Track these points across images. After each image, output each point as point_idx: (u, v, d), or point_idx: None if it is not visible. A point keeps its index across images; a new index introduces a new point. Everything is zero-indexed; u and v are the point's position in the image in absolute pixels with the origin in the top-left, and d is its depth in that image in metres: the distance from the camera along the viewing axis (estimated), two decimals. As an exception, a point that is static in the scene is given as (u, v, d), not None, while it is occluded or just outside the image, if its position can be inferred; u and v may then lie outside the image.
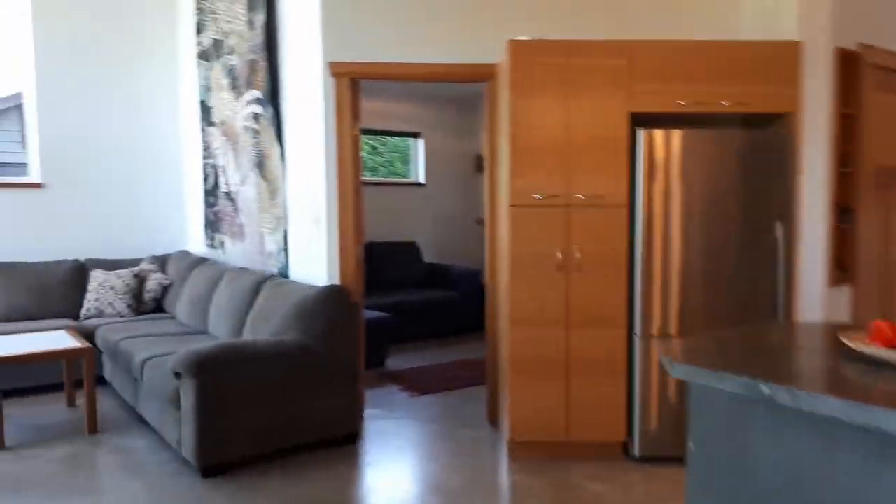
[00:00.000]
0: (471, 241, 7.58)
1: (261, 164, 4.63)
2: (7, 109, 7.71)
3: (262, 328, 3.84)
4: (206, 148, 5.48)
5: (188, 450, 3.26)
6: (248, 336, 3.99)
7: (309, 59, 4.00)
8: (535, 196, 3.33)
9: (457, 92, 7.23)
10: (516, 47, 3.33)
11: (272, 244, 4.58)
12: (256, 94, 4.60)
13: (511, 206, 3.36)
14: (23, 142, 5.52)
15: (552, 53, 3.31)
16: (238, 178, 4.98)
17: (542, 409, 3.39)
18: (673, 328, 3.34)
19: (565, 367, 3.37)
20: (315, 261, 4.11)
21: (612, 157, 3.33)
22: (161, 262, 5.63)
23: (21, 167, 5.93)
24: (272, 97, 4.40)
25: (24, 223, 5.35)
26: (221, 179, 5.25)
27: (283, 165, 4.38)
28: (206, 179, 5.53)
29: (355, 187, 3.96)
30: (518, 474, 3.30)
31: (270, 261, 4.61)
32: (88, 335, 4.76)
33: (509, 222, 3.37)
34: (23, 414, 4.19)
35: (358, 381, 3.78)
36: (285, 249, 4.43)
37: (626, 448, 3.46)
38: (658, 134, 3.30)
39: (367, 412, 4.14)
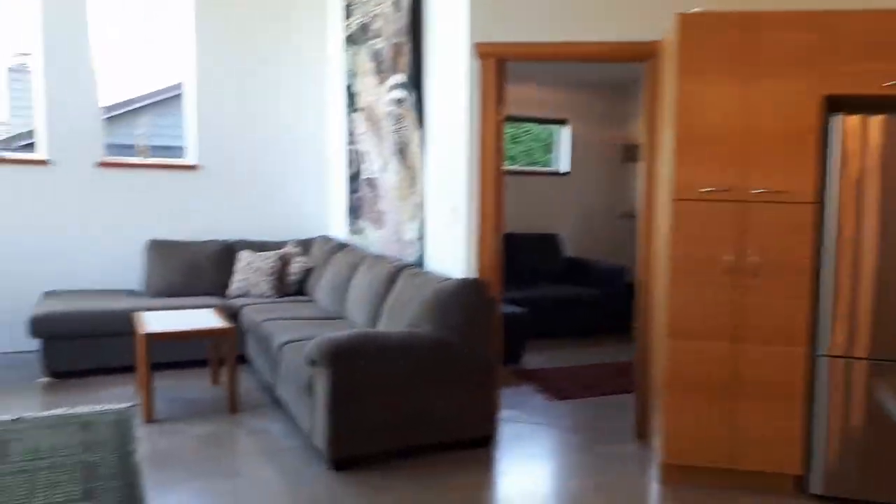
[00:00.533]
0: (616, 236, 7.13)
1: (401, 151, 4.53)
2: (173, 98, 8.26)
3: (398, 318, 3.72)
4: (351, 134, 5.48)
5: (320, 439, 3.20)
6: (383, 325, 3.90)
7: (454, 40, 3.81)
8: (704, 190, 2.93)
9: (606, 76, 6.79)
10: (686, 22, 2.93)
11: (410, 232, 4.46)
12: (400, 78, 4.49)
13: (675, 200, 2.97)
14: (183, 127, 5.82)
15: (728, 28, 2.88)
16: (379, 165, 4.92)
17: (703, 430, 3.00)
18: (862, 349, 2.83)
19: (732, 387, 2.96)
20: (452, 251, 3.93)
21: (799, 147, 2.86)
22: (304, 245, 5.73)
23: (183, 151, 6.25)
24: (415, 81, 4.26)
25: (181, 203, 5.62)
26: (364, 166, 5.22)
27: (422, 152, 4.24)
28: (349, 165, 5.54)
29: (497, 176, 3.73)
30: (672, 502, 2.94)
31: (408, 249, 4.50)
32: (234, 314, 4.91)
33: (671, 218, 2.99)
34: (170, 387, 4.38)
35: (494, 380, 3.57)
36: (422, 238, 4.29)
37: (801, 483, 2.99)
38: (856, 121, 2.79)
39: (502, 414, 3.93)
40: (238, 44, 5.68)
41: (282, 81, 5.86)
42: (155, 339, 3.78)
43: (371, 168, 5.08)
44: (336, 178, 5.91)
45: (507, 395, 4.28)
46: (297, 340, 3.86)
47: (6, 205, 5.06)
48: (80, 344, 4.52)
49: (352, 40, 5.36)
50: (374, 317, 4.07)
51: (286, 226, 5.96)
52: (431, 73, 4.13)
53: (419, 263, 4.32)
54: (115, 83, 8.12)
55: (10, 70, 8.84)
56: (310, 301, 5.17)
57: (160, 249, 5.33)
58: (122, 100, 8.27)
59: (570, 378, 4.80)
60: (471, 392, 3.45)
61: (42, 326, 4.41)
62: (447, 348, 3.35)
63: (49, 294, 5.00)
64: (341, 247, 5.29)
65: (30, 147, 5.50)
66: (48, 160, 5.17)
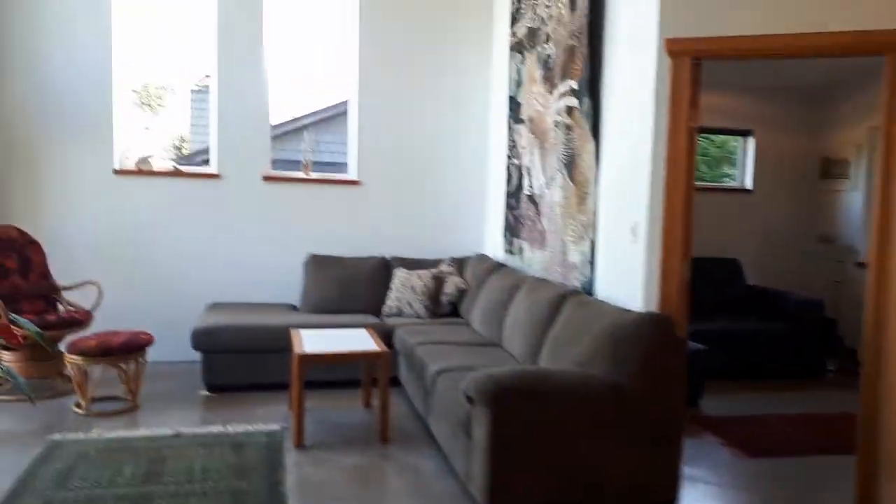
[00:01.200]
0: (807, 263, 6.22)
1: (570, 164, 4.11)
2: (335, 116, 8.42)
3: (563, 354, 3.30)
4: (512, 147, 5.14)
5: (477, 487, 2.84)
6: (545, 359, 3.49)
7: (640, 37, 3.34)
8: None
9: (800, 81, 5.96)
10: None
11: (576, 255, 4.02)
12: (572, 84, 4.09)
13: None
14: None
15: None
16: (543, 180, 4.53)
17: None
18: None
19: None
20: (628, 278, 3.44)
21: None
22: (459, 264, 5.46)
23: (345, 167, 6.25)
24: (591, 86, 3.83)
25: (341, 218, 5.56)
26: (525, 181, 4.86)
27: (596, 165, 3.79)
28: (508, 180, 5.21)
29: (687, 192, 3.22)
30: None
31: (573, 273, 4.06)
32: (387, 334, 4.72)
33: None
34: (321, 408, 4.24)
35: (678, 435, 3.03)
36: (592, 262, 3.84)
37: None
38: None
39: (682, 472, 3.36)
40: (400, 58, 5.56)
41: (443, 95, 5.66)
42: (310, 360, 3.64)
43: (533, 183, 4.71)
44: (494, 194, 5.60)
45: (686, 447, 3.69)
46: (453, 370, 3.55)
47: (182, 217, 5.25)
48: (238, 358, 4.52)
49: (518, 48, 5.04)
50: (535, 349, 3.67)
51: (442, 243, 5.73)
52: (610, 77, 3.69)
53: (587, 290, 3.86)
54: (283, 102, 8.43)
55: (194, 91, 9.50)
56: (464, 324, 4.88)
57: (319, 264, 5.29)
58: (288, 118, 8.55)
59: (762, 430, 4.10)
60: (650, 447, 2.94)
61: (202, 340, 4.46)
62: (625, 394, 2.87)
63: (213, 306, 5.10)
64: (498, 267, 4.95)
65: (207, 163, 5.71)
66: (219, 174, 5.31)
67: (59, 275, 4.79)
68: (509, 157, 5.19)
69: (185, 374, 4.75)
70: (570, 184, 4.10)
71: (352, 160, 5.66)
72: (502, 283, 4.53)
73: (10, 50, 4.88)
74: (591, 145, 3.84)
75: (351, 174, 5.65)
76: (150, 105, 9.66)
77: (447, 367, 3.60)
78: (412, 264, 5.40)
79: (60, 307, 4.65)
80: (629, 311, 3.18)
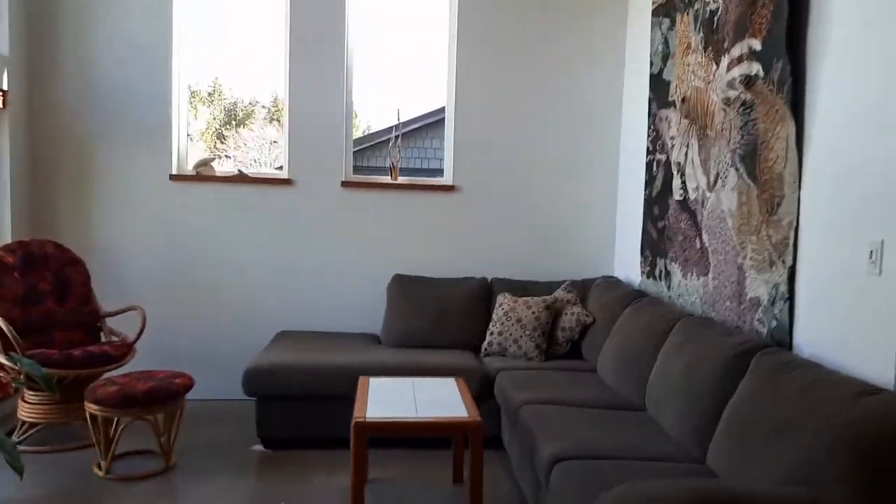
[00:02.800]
0: None
1: (749, 156, 2.87)
2: (426, 125, 7.61)
3: (759, 450, 2.08)
4: (655, 139, 3.94)
5: None
6: (724, 452, 2.27)
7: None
8: None
9: None
10: None
11: (760, 287, 2.77)
12: (752, 44, 2.85)
13: None
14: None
15: None
16: (705, 180, 3.30)
17: None
18: None
19: None
20: (861, 327, 2.18)
21: None
22: (580, 290, 4.28)
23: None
24: (788, 44, 2.59)
25: (434, 232, 4.55)
26: (675, 182, 3.64)
27: (798, 155, 2.54)
28: (649, 183, 4.00)
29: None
30: None
31: (754, 314, 2.81)
32: (487, 379, 3.65)
33: None
34: (395, 480, 3.21)
35: None
36: (789, 299, 2.58)
37: None
38: None
39: None
40: (506, 37, 4.49)
41: (560, 78, 4.53)
42: (370, 428, 2.62)
43: (687, 185, 3.48)
44: (628, 199, 4.40)
45: None
46: (577, 457, 2.41)
47: (248, 229, 4.42)
48: (301, 406, 3.59)
49: (663, 11, 3.84)
50: (703, 430, 2.46)
51: (558, 262, 4.58)
52: (824, 24, 2.44)
53: (780, 341, 2.61)
54: (371, 111, 7.78)
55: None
56: (588, 369, 3.71)
57: (405, 287, 4.29)
58: (375, 129, 7.79)
59: None
60: None
61: (256, 383, 3.56)
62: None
63: (282, 335, 4.23)
64: (636, 296, 3.74)
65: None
66: (291, 179, 4.45)
67: (107, 298, 4.08)
68: (651, 152, 3.98)
69: (240, 418, 3.90)
70: (751, 184, 2.86)
71: (448, 161, 4.64)
72: (643, 319, 3.33)
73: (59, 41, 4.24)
74: (787, 127, 2.59)
75: (446, 178, 4.63)
76: (277, 120, 9.20)
77: (568, 453, 2.46)
78: (519, 289, 4.29)
79: (104, 337, 3.92)
80: (878, 389, 1.93)
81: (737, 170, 2.97)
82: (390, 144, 4.76)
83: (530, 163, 4.56)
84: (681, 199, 3.56)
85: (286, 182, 4.45)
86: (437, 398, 2.91)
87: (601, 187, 4.60)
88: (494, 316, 4.10)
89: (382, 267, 4.48)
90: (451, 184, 4.56)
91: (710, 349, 2.63)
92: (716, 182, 3.17)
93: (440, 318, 4.18)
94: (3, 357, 3.33)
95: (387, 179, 4.60)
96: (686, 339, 2.85)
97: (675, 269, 3.61)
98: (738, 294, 2.94)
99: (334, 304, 4.49)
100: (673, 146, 3.68)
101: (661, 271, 3.81)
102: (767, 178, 2.74)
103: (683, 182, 3.54)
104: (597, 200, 4.61)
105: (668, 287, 3.69)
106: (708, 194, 3.25)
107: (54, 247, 3.89)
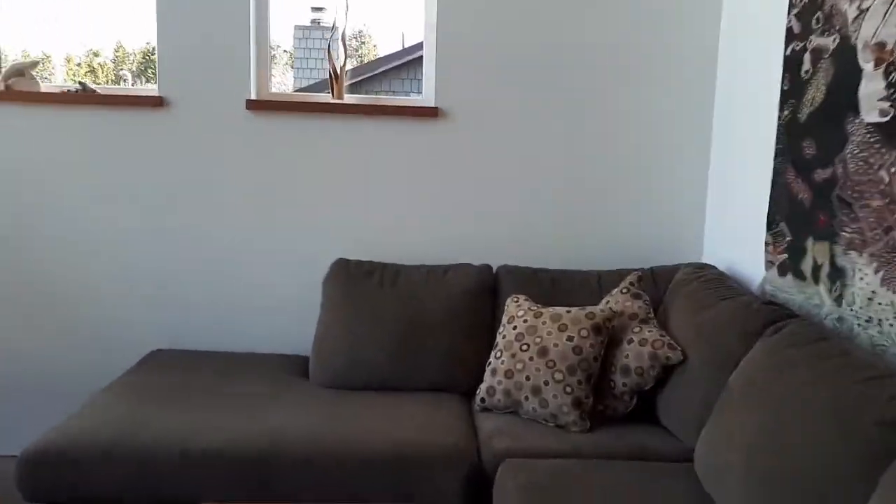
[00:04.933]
0: None
1: None
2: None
3: None
4: (811, 7, 2.06)
5: None
6: None
7: None
8: None
9: None
10: None
11: None
12: None
13: None
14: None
15: None
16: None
17: None
18: None
19: None
20: None
21: None
22: (651, 288, 2.47)
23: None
24: None
25: (404, 182, 2.76)
26: (866, 86, 1.78)
27: None
28: (792, 93, 2.14)
29: None
30: None
31: None
32: (481, 474, 1.93)
33: None
34: None
35: None
36: None
37: None
38: None
39: None
40: None
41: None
42: None
43: (873, 101, 1.63)
44: (735, 127, 2.56)
45: None
46: None
47: (95, 182, 2.68)
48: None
49: None
50: None
51: (607, 240, 2.79)
52: None
53: None
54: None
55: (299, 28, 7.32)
56: (672, 455, 1.95)
57: (353, 280, 2.54)
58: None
59: None
60: None
61: (37, 481, 1.86)
62: None
63: (151, 357, 2.55)
64: (774, 318, 1.93)
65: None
66: (165, 98, 2.66)
67: None
68: (797, 36, 2.11)
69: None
70: None
71: (427, 66, 2.79)
72: (828, 389, 1.53)
73: None
74: None
75: (425, 97, 2.80)
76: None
77: None
78: (545, 286, 2.51)
79: None
80: None
81: None
82: (332, 33, 2.91)
83: (560, 69, 2.71)
84: (883, 119, 1.71)
85: (157, 102, 2.66)
86: None
87: (684, 107, 2.74)
88: (501, 338, 2.33)
89: (318, 246, 2.72)
90: (432, 105, 2.72)
91: None
92: None
93: (409, 336, 2.42)
94: None
95: (326, 98, 2.79)
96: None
97: (860, 266, 1.79)
98: None
99: (241, 306, 2.77)
100: (863, 13, 1.80)
101: (816, 265, 1.99)
102: None
103: (891, 83, 1.68)
104: (676, 130, 2.76)
105: (838, 299, 1.88)
106: None
107: None
